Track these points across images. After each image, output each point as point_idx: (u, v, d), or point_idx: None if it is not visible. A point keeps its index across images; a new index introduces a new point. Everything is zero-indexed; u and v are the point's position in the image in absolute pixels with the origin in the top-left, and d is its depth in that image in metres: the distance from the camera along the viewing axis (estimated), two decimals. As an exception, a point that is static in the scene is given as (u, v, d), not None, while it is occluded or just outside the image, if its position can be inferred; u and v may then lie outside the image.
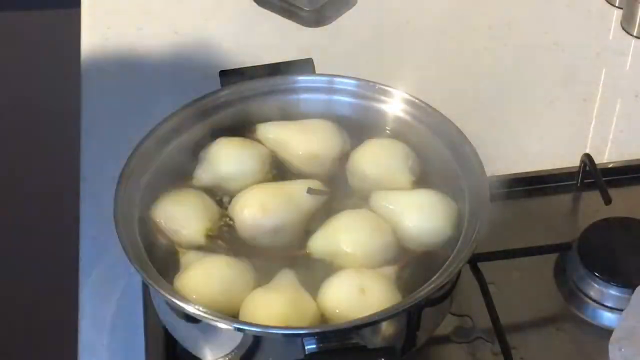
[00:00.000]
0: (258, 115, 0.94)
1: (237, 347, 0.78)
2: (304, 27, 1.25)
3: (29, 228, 1.90)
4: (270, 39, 1.24)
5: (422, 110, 0.91)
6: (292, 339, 0.77)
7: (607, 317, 0.92)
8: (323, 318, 0.79)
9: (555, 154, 1.08)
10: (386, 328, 0.79)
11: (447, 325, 0.90)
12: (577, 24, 1.27)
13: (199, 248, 0.84)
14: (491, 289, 0.91)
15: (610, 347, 0.84)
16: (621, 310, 0.89)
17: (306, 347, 0.75)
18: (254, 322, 0.77)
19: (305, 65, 0.98)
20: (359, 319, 0.76)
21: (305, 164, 0.91)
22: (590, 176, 1.01)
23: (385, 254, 0.84)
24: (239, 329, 0.77)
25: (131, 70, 1.20)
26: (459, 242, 0.81)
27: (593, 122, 1.15)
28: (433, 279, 0.78)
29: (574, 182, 1.03)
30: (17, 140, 2.03)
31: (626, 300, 0.88)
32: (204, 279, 0.81)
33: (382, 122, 0.93)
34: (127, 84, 1.19)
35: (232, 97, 0.93)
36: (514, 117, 1.14)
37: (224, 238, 0.85)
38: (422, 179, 0.89)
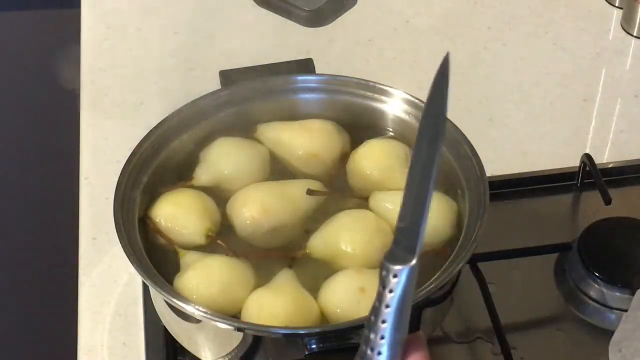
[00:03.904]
0: (258, 115, 0.94)
1: (237, 347, 0.78)
2: (304, 27, 1.25)
3: (29, 228, 1.90)
4: (270, 39, 1.24)
5: (422, 110, 0.91)
6: (293, 339, 0.77)
7: (607, 317, 0.92)
8: (323, 318, 0.79)
9: (555, 154, 1.08)
10: (386, 328, 0.79)
11: (447, 325, 0.90)
12: (577, 24, 1.27)
13: (199, 248, 0.84)
14: (491, 289, 0.91)
15: (610, 348, 0.83)
16: (621, 310, 0.89)
17: (306, 347, 0.75)
18: (254, 322, 0.77)
19: (305, 65, 0.98)
20: (359, 319, 0.76)
21: (305, 164, 0.91)
22: (590, 176, 1.01)
23: (385, 254, 0.84)
24: (239, 329, 0.77)
25: (131, 70, 1.20)
26: (459, 242, 0.81)
27: (593, 122, 1.14)
28: (433, 279, 0.78)
29: (574, 182, 1.03)
30: (17, 140, 2.03)
31: (626, 300, 0.88)
32: (204, 279, 0.80)
33: (382, 122, 0.93)
34: (127, 84, 1.19)
35: (232, 97, 0.93)
36: (513, 117, 1.14)
37: (224, 238, 0.85)
38: (422, 179, 0.89)
